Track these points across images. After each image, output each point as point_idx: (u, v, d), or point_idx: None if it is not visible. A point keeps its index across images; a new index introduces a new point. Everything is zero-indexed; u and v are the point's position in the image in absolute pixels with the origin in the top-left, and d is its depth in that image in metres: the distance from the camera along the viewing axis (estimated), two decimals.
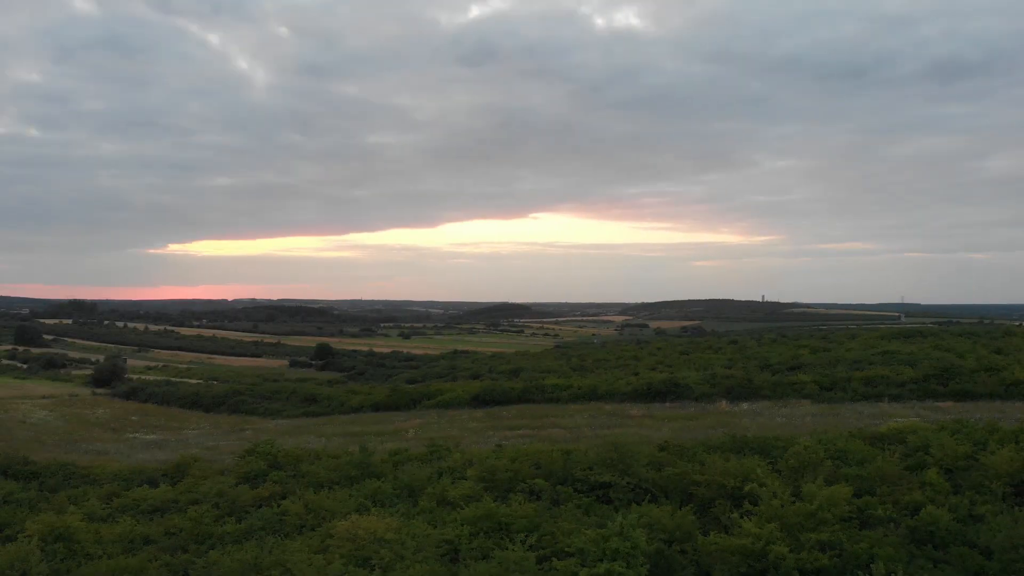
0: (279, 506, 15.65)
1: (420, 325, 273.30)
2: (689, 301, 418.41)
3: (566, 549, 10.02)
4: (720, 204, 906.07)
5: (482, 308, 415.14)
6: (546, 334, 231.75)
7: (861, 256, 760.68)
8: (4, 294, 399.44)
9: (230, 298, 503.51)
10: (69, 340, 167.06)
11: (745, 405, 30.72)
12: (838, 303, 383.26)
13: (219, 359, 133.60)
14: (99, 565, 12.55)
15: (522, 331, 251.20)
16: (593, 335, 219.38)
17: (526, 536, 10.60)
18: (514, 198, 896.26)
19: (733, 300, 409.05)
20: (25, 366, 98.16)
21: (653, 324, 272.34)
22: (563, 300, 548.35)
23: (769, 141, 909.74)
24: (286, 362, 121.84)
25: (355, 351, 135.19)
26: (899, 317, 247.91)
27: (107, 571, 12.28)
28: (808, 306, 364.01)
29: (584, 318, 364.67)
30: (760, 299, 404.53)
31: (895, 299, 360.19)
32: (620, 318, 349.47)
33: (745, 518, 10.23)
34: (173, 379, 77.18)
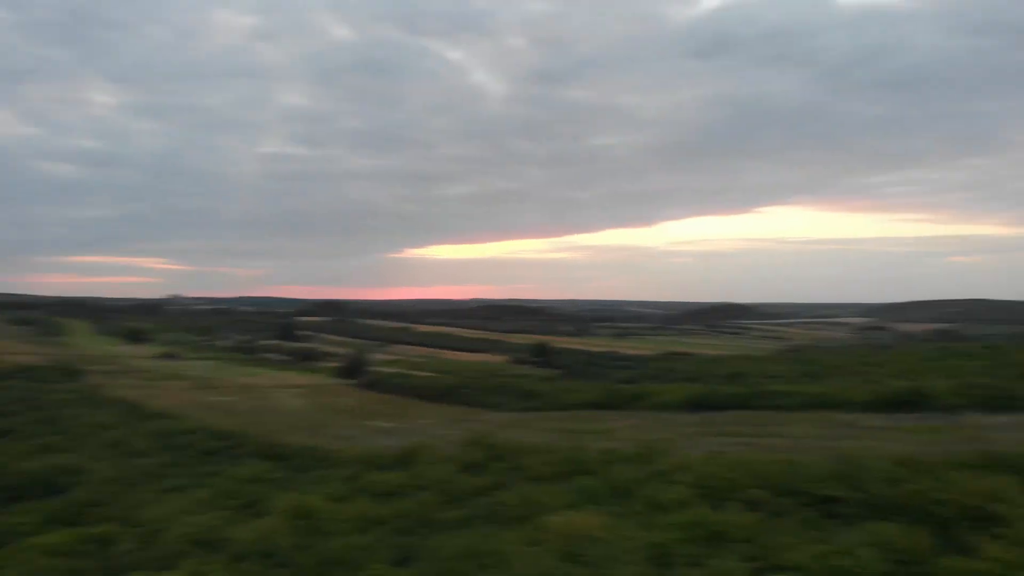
0: (497, 496, 16.30)
1: (635, 325, 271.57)
2: (943, 301, 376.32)
3: (784, 564, 9.45)
4: (983, 192, 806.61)
5: (701, 308, 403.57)
6: (772, 336, 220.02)
7: None
8: (272, 295, 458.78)
9: (462, 298, 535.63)
10: (322, 335, 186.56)
11: (1001, 418, 26.98)
12: None
13: (448, 354, 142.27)
14: (336, 542, 13.80)
15: (744, 333, 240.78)
16: (827, 338, 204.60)
17: (742, 547, 10.16)
18: (739, 192, 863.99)
19: (996, 300, 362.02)
20: (283, 358, 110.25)
21: (898, 327, 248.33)
22: (793, 300, 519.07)
23: None
24: (508, 358, 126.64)
25: (570, 349, 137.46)
26: None
27: (343, 548, 13.49)
28: None
29: (817, 320, 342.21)
30: None
31: None
32: (859, 320, 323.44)
33: (991, 541, 9.06)
34: (408, 371, 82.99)
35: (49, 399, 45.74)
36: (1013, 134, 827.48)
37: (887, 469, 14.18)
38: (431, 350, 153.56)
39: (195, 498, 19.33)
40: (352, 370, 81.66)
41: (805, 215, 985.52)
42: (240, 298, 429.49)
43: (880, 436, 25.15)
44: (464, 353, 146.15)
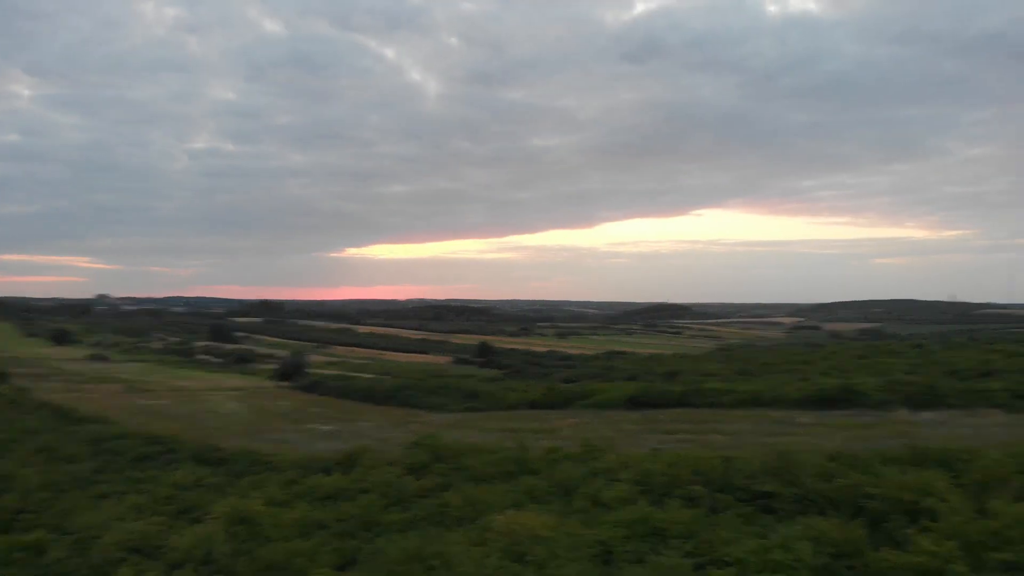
0: (441, 498, 16.27)
1: (576, 325, 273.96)
2: (869, 301, 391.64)
3: (724, 558, 9.67)
4: (906, 196, 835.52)
5: (639, 308, 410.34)
6: (707, 336, 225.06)
7: None
8: (205, 295, 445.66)
9: (402, 298, 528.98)
10: (258, 337, 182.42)
11: (927, 414, 28.24)
12: None
13: (390, 355, 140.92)
14: (276, 547, 13.54)
15: (681, 332, 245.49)
16: (759, 337, 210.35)
17: (682, 542, 10.37)
18: (676, 195, 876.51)
19: (919, 300, 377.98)
20: (218, 360, 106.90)
21: (828, 326, 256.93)
22: (727, 300, 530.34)
23: (964, 127, 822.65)
24: (450, 359, 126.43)
25: (513, 349, 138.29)
26: None
27: (283, 553, 13.24)
28: (1005, 307, 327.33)
29: (750, 319, 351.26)
30: (950, 299, 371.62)
31: None
32: (790, 320, 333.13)
33: (922, 534, 9.46)
34: (349, 373, 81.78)
35: None
36: (937, 140, 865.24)
37: (820, 464, 14.65)
38: (372, 351, 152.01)
39: (129, 504, 18.68)
40: (290, 372, 79.93)
41: (739, 218, 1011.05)
42: (172, 298, 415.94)
43: (813, 432, 25.97)
44: (406, 354, 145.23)
